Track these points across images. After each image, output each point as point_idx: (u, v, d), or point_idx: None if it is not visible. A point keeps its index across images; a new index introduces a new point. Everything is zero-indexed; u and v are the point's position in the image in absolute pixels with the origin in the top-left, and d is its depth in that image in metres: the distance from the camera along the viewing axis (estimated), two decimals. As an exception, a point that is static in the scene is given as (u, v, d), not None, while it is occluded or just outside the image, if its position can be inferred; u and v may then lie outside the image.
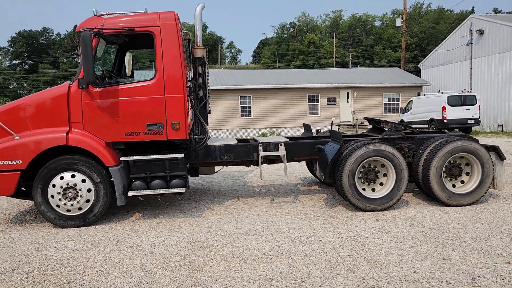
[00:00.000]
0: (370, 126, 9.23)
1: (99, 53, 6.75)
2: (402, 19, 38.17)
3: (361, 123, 30.51)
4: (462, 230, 5.77)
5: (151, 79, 6.49)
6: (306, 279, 4.35)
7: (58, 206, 6.37)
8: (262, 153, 7.26)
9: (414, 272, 4.46)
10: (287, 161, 7.71)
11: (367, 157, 6.79)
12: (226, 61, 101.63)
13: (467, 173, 7.14)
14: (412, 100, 26.40)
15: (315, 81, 31.00)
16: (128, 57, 7.84)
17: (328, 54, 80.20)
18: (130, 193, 6.47)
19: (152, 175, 6.68)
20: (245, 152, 7.36)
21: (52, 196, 6.34)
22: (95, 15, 6.57)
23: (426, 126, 24.60)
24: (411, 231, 5.79)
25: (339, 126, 29.67)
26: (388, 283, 4.22)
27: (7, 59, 79.97)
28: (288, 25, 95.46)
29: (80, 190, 6.37)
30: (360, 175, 6.96)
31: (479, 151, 6.93)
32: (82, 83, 6.26)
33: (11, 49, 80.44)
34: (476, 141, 7.29)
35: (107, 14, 6.65)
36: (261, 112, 29.89)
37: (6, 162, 6.23)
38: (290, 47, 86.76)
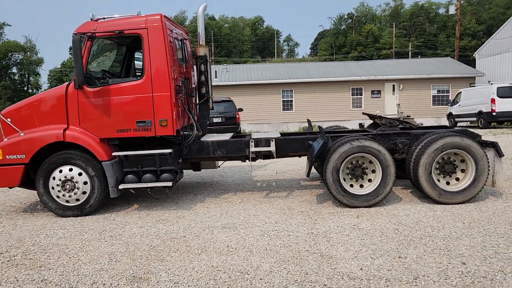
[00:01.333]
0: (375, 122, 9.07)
1: (98, 54, 7.20)
2: (456, 6, 36.31)
3: (407, 116, 29.54)
4: (438, 228, 5.62)
5: (140, 79, 6.85)
6: (252, 272, 4.50)
7: (58, 197, 6.92)
8: (252, 149, 7.42)
9: (361, 269, 4.47)
10: (281, 157, 7.83)
11: (351, 154, 6.75)
12: (284, 54, 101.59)
13: (462, 170, 6.88)
14: (460, 92, 25.19)
15: (359, 74, 30.40)
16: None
17: (387, 44, 77.91)
18: (120, 186, 6.90)
19: (143, 169, 7.06)
20: (237, 148, 7.56)
21: (53, 188, 6.90)
22: (91, 19, 7.01)
23: (475, 119, 23.44)
24: (385, 228, 5.72)
25: (383, 119, 28.94)
26: (328, 278, 4.27)
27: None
28: (346, 16, 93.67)
29: (77, 182, 6.88)
30: (348, 171, 6.94)
31: (472, 147, 6.65)
32: (77, 83, 6.74)
33: None
34: (475, 136, 7.01)
35: (103, 18, 7.08)
36: (303, 106, 29.79)
37: (11, 157, 6.86)
38: (348, 39, 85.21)
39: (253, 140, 7.51)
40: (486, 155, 6.68)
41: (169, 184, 6.89)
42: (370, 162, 6.87)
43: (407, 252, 4.85)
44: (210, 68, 8.68)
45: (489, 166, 6.69)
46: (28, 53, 68.47)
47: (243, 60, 79.04)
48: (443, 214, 6.27)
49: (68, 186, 6.88)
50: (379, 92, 30.31)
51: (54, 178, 6.89)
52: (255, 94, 29.78)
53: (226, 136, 7.92)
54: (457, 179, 6.90)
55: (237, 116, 20.40)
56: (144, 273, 4.60)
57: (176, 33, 7.45)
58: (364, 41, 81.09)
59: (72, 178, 6.87)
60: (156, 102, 6.79)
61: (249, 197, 7.90)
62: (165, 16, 7.05)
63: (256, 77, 30.45)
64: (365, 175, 6.94)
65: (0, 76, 63.16)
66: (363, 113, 8.38)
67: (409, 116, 29.44)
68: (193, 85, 8.25)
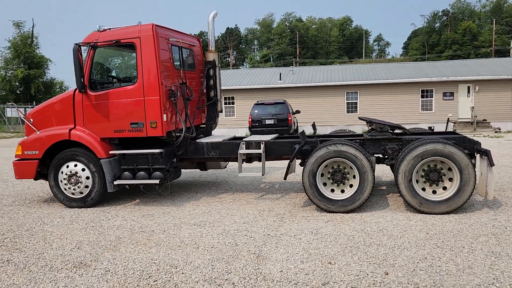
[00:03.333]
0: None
1: (104, 61, 7.89)
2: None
3: (484, 120, 27.46)
4: (395, 238, 5.46)
5: (134, 84, 7.43)
6: (180, 267, 4.79)
7: (65, 189, 7.74)
8: (240, 151, 7.65)
9: (280, 271, 4.55)
10: (275, 159, 7.98)
11: (328, 158, 6.72)
12: (373, 55, 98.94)
13: (451, 179, 6.52)
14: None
15: (430, 75, 28.84)
16: None
17: (486, 42, 72.77)
18: (115, 182, 7.53)
19: (138, 167, 7.64)
20: (229, 149, 7.84)
21: (61, 181, 7.73)
22: (98, 30, 7.73)
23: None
24: (342, 234, 5.67)
25: (455, 123, 27.20)
26: (241, 278, 4.43)
27: None
28: (440, 13, 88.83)
29: (80, 177, 7.64)
30: (330, 176, 6.91)
31: (456, 155, 6.28)
32: (79, 88, 7.49)
33: None
34: (474, 144, 6.64)
35: (109, 29, 7.77)
36: (368, 108, 28.95)
37: (28, 152, 7.82)
38: (442, 37, 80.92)
39: (244, 142, 7.74)
40: (473, 164, 6.28)
41: (157, 181, 7.39)
42: (351, 167, 6.78)
43: (340, 259, 4.82)
44: (219, 73, 9.08)
45: (475, 176, 6.27)
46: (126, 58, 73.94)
47: (329, 61, 78.19)
48: (415, 223, 6.03)
49: (73, 180, 7.67)
50: (451, 94, 28.50)
51: (62, 173, 7.72)
52: (319, 96, 29.60)
53: (220, 138, 8.23)
54: (445, 188, 6.55)
55: (289, 118, 20.56)
56: (91, 260, 5.10)
57: (175, 40, 7.90)
58: (460, 39, 76.52)
59: (76, 173, 7.64)
60: (147, 106, 7.32)
61: (242, 198, 8.14)
62: (160, 26, 7.57)
63: (320, 79, 30.23)
64: (346, 181, 6.86)
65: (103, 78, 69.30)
66: (359, 118, 8.16)
67: (485, 120, 27.42)
68: (194, 89, 8.59)
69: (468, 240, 5.28)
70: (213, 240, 5.65)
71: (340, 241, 5.42)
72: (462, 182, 6.30)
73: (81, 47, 7.33)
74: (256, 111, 21.23)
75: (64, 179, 7.70)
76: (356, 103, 29.45)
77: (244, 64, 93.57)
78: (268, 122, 20.52)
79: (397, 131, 7.62)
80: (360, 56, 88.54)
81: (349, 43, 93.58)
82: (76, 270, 4.81)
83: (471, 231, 5.60)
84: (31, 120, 8.11)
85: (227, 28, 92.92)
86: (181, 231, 6.15)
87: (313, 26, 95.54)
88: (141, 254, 5.25)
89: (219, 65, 9.16)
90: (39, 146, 7.76)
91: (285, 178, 7.16)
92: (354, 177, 6.79)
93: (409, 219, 6.24)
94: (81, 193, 7.70)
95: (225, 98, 30.03)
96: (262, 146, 7.62)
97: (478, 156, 6.86)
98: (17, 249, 5.64)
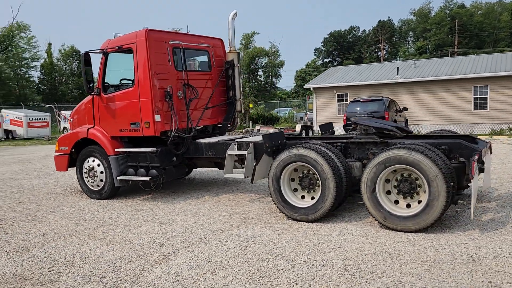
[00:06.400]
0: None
1: (113, 66, 8.57)
2: None
3: None
4: (315, 252, 4.92)
5: (132, 86, 7.95)
6: (90, 258, 5.10)
7: (87, 182, 8.69)
8: (229, 152, 7.58)
9: (159, 274, 4.52)
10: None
11: (290, 162, 6.27)
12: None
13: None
14: None
15: None
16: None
17: None
18: (119, 177, 8.18)
19: (140, 165, 8.16)
20: (223, 149, 7.83)
21: (84, 174, 8.71)
22: (114, 37, 8.47)
23: None
24: (271, 245, 5.29)
25: None
26: (134, 275, 4.54)
27: (320, 58, 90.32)
28: None
29: (96, 171, 8.50)
30: (299, 181, 6.45)
31: (422, 164, 5.27)
32: (96, 91, 8.31)
33: (323, 49, 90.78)
34: (472, 151, 5.58)
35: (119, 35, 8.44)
36: (501, 104, 25.13)
37: (62, 148, 8.98)
38: None
39: (235, 143, 7.66)
40: (444, 175, 5.19)
41: (147, 179, 7.81)
42: (314, 173, 6.21)
43: (226, 269, 4.56)
44: (238, 73, 9.10)
45: (447, 189, 5.18)
46: (272, 57, 77.14)
47: (498, 49, 69.46)
48: (359, 239, 5.31)
49: (91, 174, 8.57)
50: None
51: (84, 167, 8.68)
52: (441, 91, 26.78)
53: (216, 139, 8.26)
54: (420, 202, 5.57)
55: (386, 116, 19.19)
56: (37, 247, 5.71)
57: (177, 43, 8.18)
58: None
59: (93, 168, 8.51)
60: (142, 107, 7.78)
61: (235, 199, 8.09)
62: (158, 30, 7.97)
63: (444, 72, 27.24)
64: (317, 187, 6.31)
65: (249, 78, 73.68)
66: (351, 121, 7.22)
67: None
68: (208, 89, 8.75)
69: (395, 265, 4.46)
70: (147, 238, 5.83)
71: (260, 251, 5.09)
72: (430, 196, 5.28)
73: (90, 54, 8.10)
74: (350, 109, 20.31)
75: (85, 172, 8.65)
76: (485, 98, 25.79)
77: (397, 57, 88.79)
78: (362, 120, 19.44)
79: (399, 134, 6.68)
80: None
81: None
82: (19, 254, 5.44)
83: (414, 256, 4.70)
84: (71, 120, 9.29)
85: (379, 21, 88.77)
86: (137, 226, 6.46)
87: (479, 12, 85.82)
88: (88, 246, 5.61)
89: (239, 65, 9.16)
90: (68, 143, 8.86)
91: (252, 182, 6.87)
92: (318, 184, 6.22)
93: (364, 236, 5.48)
94: (98, 186, 8.55)
95: (338, 95, 29.30)
96: (250, 147, 7.43)
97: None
98: (9, 231, 6.60)
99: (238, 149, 7.62)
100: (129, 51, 8.00)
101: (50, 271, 4.82)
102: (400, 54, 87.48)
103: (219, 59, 9.14)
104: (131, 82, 8.04)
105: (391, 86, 27.73)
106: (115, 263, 4.94)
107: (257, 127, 26.67)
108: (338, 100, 29.37)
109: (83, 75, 8.09)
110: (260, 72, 78.65)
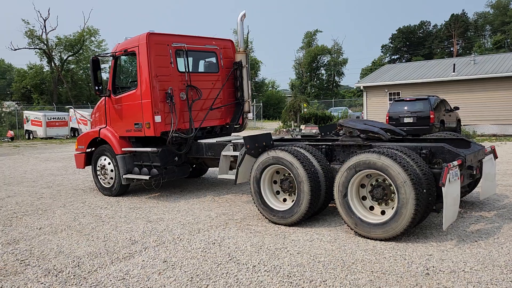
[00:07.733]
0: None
1: (123, 68, 8.91)
2: None
3: None
4: (273, 257, 4.83)
5: (136, 88, 8.22)
6: (64, 252, 5.39)
7: (100, 179, 9.13)
8: (223, 153, 7.62)
9: (117, 273, 4.68)
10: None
11: (269, 164, 6.19)
12: None
13: (402, 199, 5.20)
14: None
15: None
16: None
17: None
18: (124, 176, 8.50)
19: (144, 164, 8.43)
20: (220, 150, 7.89)
21: (97, 172, 9.16)
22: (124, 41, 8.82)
23: None
24: (234, 248, 5.28)
25: None
26: (88, 272, 4.75)
27: (387, 55, 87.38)
28: None
29: (107, 169, 8.90)
30: (280, 184, 6.35)
31: (390, 169, 4.98)
32: (106, 93, 8.71)
33: (391, 45, 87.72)
34: (455, 156, 5.23)
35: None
36: None
37: (80, 147, 9.51)
38: None
39: (231, 144, 7.69)
40: (412, 181, 4.86)
41: (146, 178, 8.05)
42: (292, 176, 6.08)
43: (175, 270, 4.62)
44: (246, 74, 9.12)
45: (416, 196, 4.85)
46: (334, 54, 76.01)
47: None
48: (323, 246, 5.14)
49: (103, 172, 8.99)
50: None
51: (97, 165, 9.13)
52: (503, 89, 24.89)
53: (214, 139, 8.31)
54: (393, 208, 5.27)
55: (431, 117, 18.24)
56: (26, 240, 6.12)
57: (180, 45, 8.33)
58: None
59: (105, 166, 8.93)
60: (143, 108, 8.03)
61: (233, 200, 8.09)
62: (161, 34, 8.18)
63: (505, 68, 25.28)
64: (297, 190, 6.17)
65: (311, 77, 73.29)
66: (338, 124, 6.85)
67: None
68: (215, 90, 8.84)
69: (340, 275, 4.27)
70: (126, 235, 6.04)
71: (218, 255, 5.09)
72: (399, 203, 4.98)
73: (99, 58, 8.51)
74: (394, 108, 19.47)
75: (98, 170, 9.10)
76: None
77: (471, 53, 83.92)
78: (406, 120, 18.69)
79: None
80: None
81: None
82: (11, 245, 5.87)
83: (367, 266, 4.47)
84: (90, 119, 9.80)
85: (452, 15, 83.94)
86: (124, 224, 6.69)
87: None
88: (66, 240, 5.96)
89: (247, 66, 9.16)
90: (84, 142, 9.36)
91: (235, 183, 6.84)
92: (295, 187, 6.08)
93: (331, 242, 5.29)
94: (109, 183, 8.95)
95: (390, 94, 28.22)
96: (243, 148, 7.40)
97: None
98: (10, 224, 7.13)
99: (233, 150, 7.65)
100: (133, 54, 8.29)
101: (21, 264, 5.15)
102: (475, 49, 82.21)
103: (228, 60, 9.20)
104: (136, 84, 8.33)
105: (447, 84, 26.25)
106: (80, 259, 5.17)
107: (302, 126, 26.38)
108: (390, 99, 28.26)
109: (91, 78, 8.51)
110: (323, 71, 77.62)
